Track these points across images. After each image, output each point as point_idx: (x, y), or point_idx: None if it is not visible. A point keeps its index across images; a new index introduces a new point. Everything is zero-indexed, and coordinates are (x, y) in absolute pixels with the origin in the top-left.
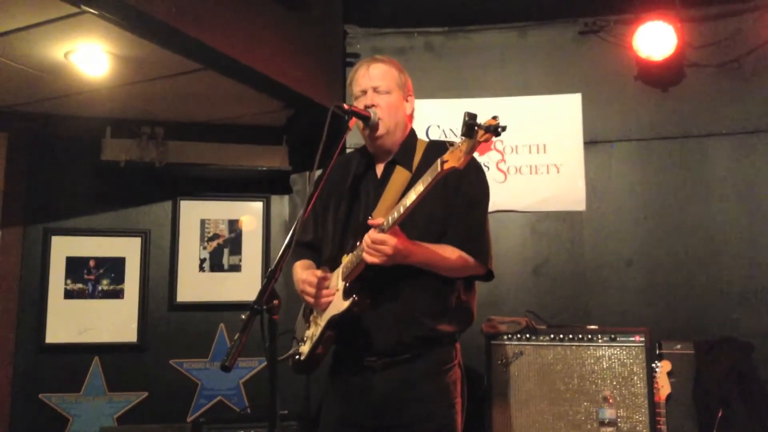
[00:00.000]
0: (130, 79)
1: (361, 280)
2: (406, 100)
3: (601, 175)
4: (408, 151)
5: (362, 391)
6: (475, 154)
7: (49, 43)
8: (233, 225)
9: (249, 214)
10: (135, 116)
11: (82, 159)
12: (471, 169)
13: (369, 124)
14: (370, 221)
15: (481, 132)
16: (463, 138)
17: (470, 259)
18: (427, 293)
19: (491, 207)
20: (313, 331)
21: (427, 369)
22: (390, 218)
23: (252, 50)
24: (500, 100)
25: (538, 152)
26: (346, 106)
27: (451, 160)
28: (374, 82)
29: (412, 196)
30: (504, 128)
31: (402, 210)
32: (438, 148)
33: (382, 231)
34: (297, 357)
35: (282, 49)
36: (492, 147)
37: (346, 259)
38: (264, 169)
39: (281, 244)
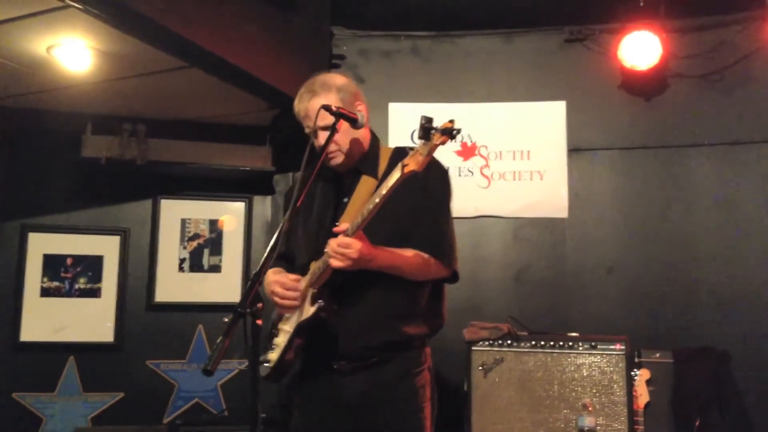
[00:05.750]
0: (113, 75)
1: (329, 286)
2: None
3: (584, 182)
4: (371, 159)
5: (331, 395)
6: (460, 159)
7: (31, 36)
8: (214, 225)
9: (230, 214)
10: (117, 113)
11: (62, 155)
12: (433, 171)
13: (357, 126)
14: (336, 230)
15: (437, 135)
16: (421, 141)
17: (434, 261)
18: (396, 297)
19: (474, 212)
20: (282, 339)
21: (396, 373)
22: (354, 223)
23: (238, 49)
24: (485, 106)
25: (522, 158)
26: (333, 107)
27: (411, 164)
28: (315, 121)
29: (375, 200)
30: (459, 131)
31: (366, 214)
32: (402, 155)
33: (347, 236)
34: (266, 365)
35: (269, 49)
36: (476, 152)
37: (314, 266)
38: (247, 169)
39: (263, 245)
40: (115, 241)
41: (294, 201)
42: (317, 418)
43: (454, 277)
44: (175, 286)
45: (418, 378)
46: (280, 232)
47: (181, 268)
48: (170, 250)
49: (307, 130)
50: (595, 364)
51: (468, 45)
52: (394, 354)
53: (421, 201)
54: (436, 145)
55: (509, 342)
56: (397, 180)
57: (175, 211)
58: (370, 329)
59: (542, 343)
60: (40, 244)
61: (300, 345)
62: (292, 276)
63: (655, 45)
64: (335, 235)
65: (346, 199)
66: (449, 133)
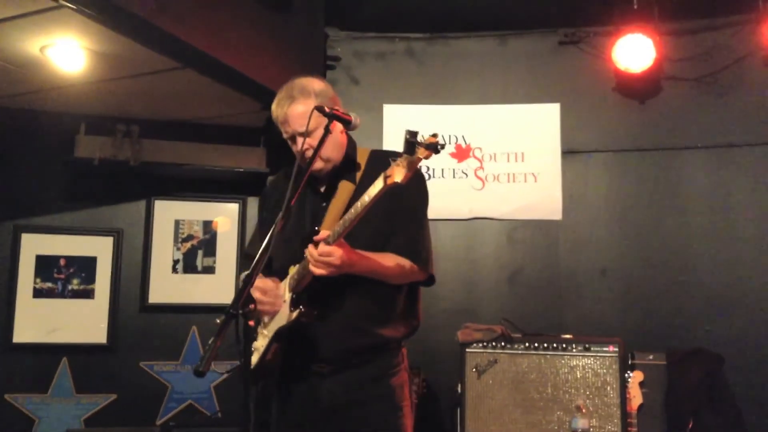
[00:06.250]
0: (106, 76)
1: (308, 291)
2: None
3: (578, 184)
4: (350, 164)
5: (311, 397)
6: (454, 161)
7: (24, 36)
8: (208, 226)
9: (224, 215)
10: (110, 113)
11: (55, 155)
12: (412, 178)
13: (350, 127)
14: (316, 238)
15: (421, 149)
16: (405, 155)
17: (412, 265)
18: (373, 301)
19: (468, 214)
20: (261, 342)
21: (373, 374)
22: (335, 231)
23: (232, 50)
24: (480, 108)
25: (516, 161)
26: (327, 109)
27: (394, 176)
28: (297, 126)
29: (357, 208)
30: (443, 146)
31: (347, 223)
32: (381, 160)
33: (328, 244)
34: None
35: (263, 50)
36: (471, 154)
37: (293, 271)
38: (241, 170)
39: None
40: (108, 242)
41: (288, 201)
42: (297, 419)
43: (430, 280)
44: (168, 287)
45: (395, 378)
46: (272, 234)
47: (174, 270)
48: (164, 251)
49: (285, 135)
50: (588, 365)
51: (462, 47)
52: (372, 356)
53: (399, 206)
54: (420, 159)
55: (503, 344)
56: (380, 191)
57: (168, 212)
58: (348, 333)
59: (536, 344)
60: (33, 245)
61: (279, 348)
62: (271, 284)
63: (649, 48)
64: (313, 240)
65: (324, 204)
66: (433, 148)
